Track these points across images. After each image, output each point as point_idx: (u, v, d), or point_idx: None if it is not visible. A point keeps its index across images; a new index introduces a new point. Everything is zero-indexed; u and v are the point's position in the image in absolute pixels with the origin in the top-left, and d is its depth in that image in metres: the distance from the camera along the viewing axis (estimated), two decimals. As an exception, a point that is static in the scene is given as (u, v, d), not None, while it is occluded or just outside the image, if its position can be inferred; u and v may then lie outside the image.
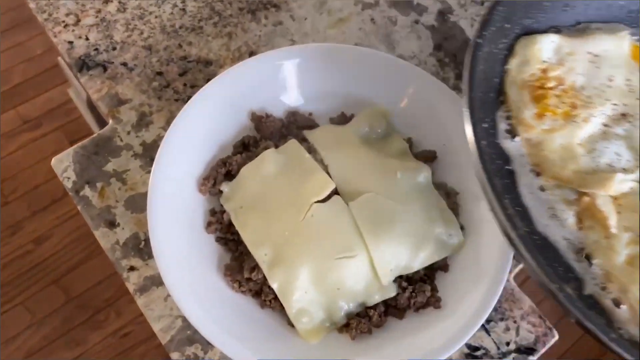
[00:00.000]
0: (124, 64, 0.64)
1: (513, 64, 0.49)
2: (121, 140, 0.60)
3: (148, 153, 0.60)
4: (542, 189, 0.45)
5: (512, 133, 0.47)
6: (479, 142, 0.42)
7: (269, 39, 0.67)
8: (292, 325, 0.52)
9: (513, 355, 0.54)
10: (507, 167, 0.45)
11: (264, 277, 0.52)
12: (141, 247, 0.56)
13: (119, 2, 0.67)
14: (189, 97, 0.57)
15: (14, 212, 1.57)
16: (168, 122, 0.60)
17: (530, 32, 0.51)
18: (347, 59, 0.60)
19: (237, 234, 0.55)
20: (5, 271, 1.49)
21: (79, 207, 0.57)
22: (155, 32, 0.66)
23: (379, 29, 0.69)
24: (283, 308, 0.52)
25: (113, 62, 0.64)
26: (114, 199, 0.57)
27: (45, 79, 1.74)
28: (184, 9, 0.68)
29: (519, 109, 0.47)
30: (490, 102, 0.47)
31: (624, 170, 0.45)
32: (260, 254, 0.52)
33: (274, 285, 0.51)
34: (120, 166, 0.59)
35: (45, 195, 1.59)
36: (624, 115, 0.48)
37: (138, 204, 0.57)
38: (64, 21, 0.65)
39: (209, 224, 0.55)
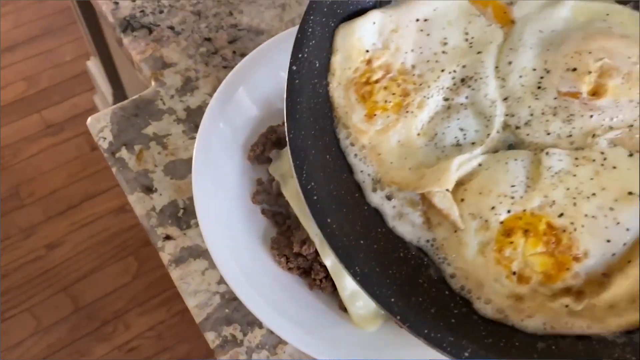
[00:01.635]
0: (171, 28, 0.60)
1: (335, 62, 0.42)
2: (163, 103, 0.56)
3: (192, 119, 0.55)
4: (388, 197, 0.40)
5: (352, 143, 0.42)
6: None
7: (324, 13, 0.63)
8: (345, 310, 0.46)
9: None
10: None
11: (315, 253, 0.46)
12: (179, 215, 0.50)
13: (169, -33, 0.64)
14: (238, 65, 0.52)
15: (29, 215, 1.53)
16: (214, 89, 0.56)
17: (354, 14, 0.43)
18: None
19: (285, 206, 0.49)
20: (15, 275, 1.44)
21: (113, 170, 0.52)
22: (205, -2, 0.62)
23: None
24: (335, 290, 0.46)
25: (159, 25, 0.60)
26: (153, 163, 0.52)
27: (72, 85, 1.73)
28: (236, -22, 0.64)
29: (347, 115, 0.41)
30: (323, 117, 0.42)
31: (473, 145, 0.40)
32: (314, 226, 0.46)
33: (327, 262, 0.46)
34: (161, 130, 0.54)
35: (61, 200, 1.55)
36: (463, 80, 0.42)
37: (179, 170, 0.52)
38: (110, -18, 0.62)
39: (255, 194, 0.50)
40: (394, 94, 0.41)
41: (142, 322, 1.40)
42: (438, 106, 0.42)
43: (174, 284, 0.47)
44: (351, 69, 0.42)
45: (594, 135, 0.39)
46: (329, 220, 0.37)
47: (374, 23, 0.43)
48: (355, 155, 0.41)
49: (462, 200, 0.38)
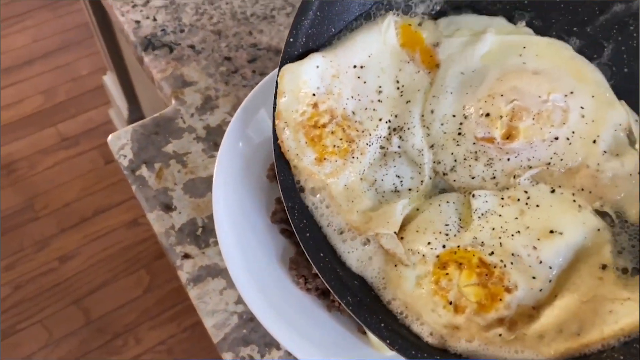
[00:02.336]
0: (192, 47, 0.61)
1: (281, 104, 0.42)
2: (184, 122, 0.56)
3: (212, 137, 0.55)
4: (343, 238, 0.41)
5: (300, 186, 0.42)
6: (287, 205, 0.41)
7: (343, 33, 0.63)
8: (364, 333, 0.46)
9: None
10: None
11: (334, 274, 0.46)
12: (198, 234, 0.50)
13: (191, -13, 0.65)
14: (258, 84, 0.53)
15: (43, 228, 1.54)
16: (234, 108, 0.56)
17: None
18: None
19: (304, 226, 0.49)
20: (28, 287, 1.45)
21: (133, 187, 0.52)
22: (225, 17, 0.63)
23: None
24: (353, 312, 0.46)
25: (180, 44, 0.61)
26: (172, 182, 0.53)
27: (88, 99, 1.75)
28: (256, -2, 0.65)
29: (298, 157, 0.41)
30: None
31: (409, 191, 0.41)
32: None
33: (346, 284, 0.45)
34: (182, 148, 0.54)
35: (75, 213, 1.57)
36: (395, 129, 0.43)
37: (198, 188, 0.52)
38: (132, 1, 0.63)
39: (274, 213, 0.50)
40: (340, 139, 0.42)
41: (152, 336, 1.40)
42: (376, 154, 0.43)
43: (184, 298, 0.47)
44: (298, 111, 0.42)
45: (514, 176, 0.40)
46: (321, 254, 0.40)
47: (317, 67, 0.42)
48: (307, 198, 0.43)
49: (402, 238, 0.40)
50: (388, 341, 0.36)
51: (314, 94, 0.42)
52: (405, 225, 0.41)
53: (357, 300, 0.38)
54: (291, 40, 0.42)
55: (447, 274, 0.38)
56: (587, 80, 0.42)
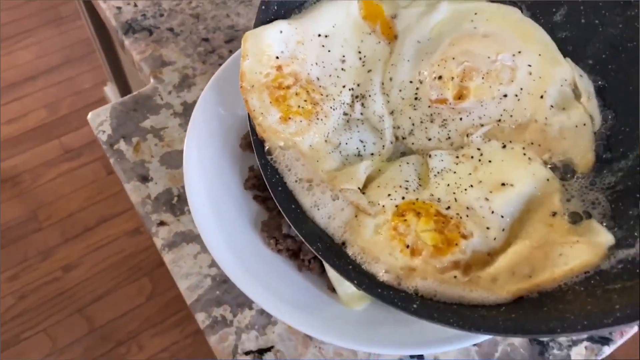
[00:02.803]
0: (170, 29, 0.62)
1: (245, 66, 0.44)
2: (161, 99, 0.57)
3: (188, 113, 0.56)
4: (309, 188, 0.42)
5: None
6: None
7: (318, 13, 0.65)
8: (333, 290, 0.46)
9: (585, 343, 0.46)
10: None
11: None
12: (174, 202, 0.51)
13: (170, -25, 0.67)
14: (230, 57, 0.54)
15: (47, 238, 1.56)
16: (211, 85, 0.57)
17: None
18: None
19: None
20: (32, 296, 1.46)
21: (111, 161, 0.53)
22: (203, 2, 0.65)
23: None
24: (323, 271, 0.46)
25: (159, 27, 0.62)
26: (149, 154, 0.54)
27: (90, 111, 1.78)
28: (234, -16, 0.67)
29: (263, 116, 0.43)
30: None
31: (372, 155, 0.43)
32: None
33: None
34: (159, 123, 0.56)
35: (78, 223, 1.58)
36: (357, 97, 0.44)
37: (174, 160, 0.54)
38: (114, -11, 0.65)
39: (247, 180, 0.51)
40: (305, 100, 0.44)
41: (155, 343, 1.40)
42: (339, 119, 0.44)
43: (186, 305, 0.48)
44: (262, 73, 0.44)
45: (467, 135, 0.42)
46: (292, 206, 0.42)
47: (281, 32, 0.44)
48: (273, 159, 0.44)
49: (364, 193, 0.41)
50: (355, 281, 0.37)
51: (277, 57, 0.44)
52: (367, 184, 0.42)
53: (327, 247, 0.39)
54: (263, 7, 0.44)
55: (405, 220, 0.39)
56: (534, 41, 0.43)
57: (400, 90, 0.44)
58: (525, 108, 0.41)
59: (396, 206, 0.40)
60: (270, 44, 0.44)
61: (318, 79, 0.45)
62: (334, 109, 0.44)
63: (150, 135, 0.55)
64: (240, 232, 0.48)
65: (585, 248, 0.36)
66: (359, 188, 0.41)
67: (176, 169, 0.53)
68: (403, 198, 0.40)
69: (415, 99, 0.44)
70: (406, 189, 0.40)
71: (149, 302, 1.47)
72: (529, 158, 0.40)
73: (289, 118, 0.43)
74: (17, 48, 1.90)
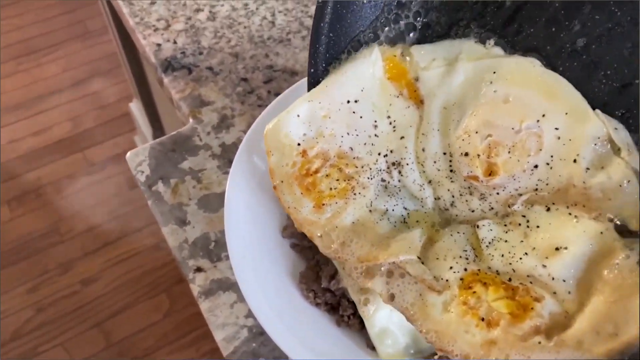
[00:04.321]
0: (210, 68, 0.63)
1: (272, 163, 0.42)
2: (200, 140, 0.57)
3: (227, 154, 0.56)
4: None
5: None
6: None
7: (357, 55, 0.65)
8: (373, 348, 0.45)
9: None
10: None
11: (343, 288, 0.46)
12: (211, 248, 0.51)
13: (210, 12, 0.67)
14: (271, 103, 0.54)
15: (67, 251, 1.57)
16: (249, 126, 0.57)
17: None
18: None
19: (315, 241, 0.50)
20: (50, 309, 1.47)
21: (149, 202, 0.53)
22: (243, 41, 0.65)
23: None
24: (363, 327, 0.46)
25: (198, 66, 0.63)
26: (187, 197, 0.54)
27: (115, 125, 1.80)
28: (272, 22, 0.67)
29: (297, 210, 0.41)
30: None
31: (417, 223, 0.41)
32: (343, 261, 0.47)
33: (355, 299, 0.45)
34: (197, 165, 0.56)
35: (99, 237, 1.59)
36: (393, 164, 0.42)
37: (212, 203, 0.54)
38: (154, 25, 0.66)
39: (285, 228, 0.50)
40: (337, 179, 0.42)
41: (171, 361, 1.40)
42: (379, 187, 0.42)
43: (203, 323, 0.48)
44: (288, 164, 0.42)
45: (509, 205, 0.40)
46: None
47: (299, 115, 0.42)
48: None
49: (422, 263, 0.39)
50: None
51: (298, 144, 0.42)
52: (426, 250, 0.40)
53: None
54: (312, 70, 0.43)
55: (474, 292, 0.37)
56: (558, 97, 0.41)
57: (434, 162, 0.42)
58: (560, 175, 0.39)
59: (461, 279, 0.38)
60: (288, 133, 0.43)
61: (352, 149, 0.43)
62: (371, 178, 0.42)
63: (188, 177, 0.55)
64: (278, 282, 0.48)
65: None
66: (418, 258, 0.39)
67: (214, 212, 0.53)
68: (465, 270, 0.38)
69: (451, 171, 0.42)
70: (466, 258, 0.39)
71: (166, 319, 1.47)
72: (575, 216, 0.39)
73: (323, 204, 0.42)
74: (45, 61, 1.93)
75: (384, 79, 0.44)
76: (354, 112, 0.43)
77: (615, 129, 0.39)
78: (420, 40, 0.45)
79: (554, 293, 0.37)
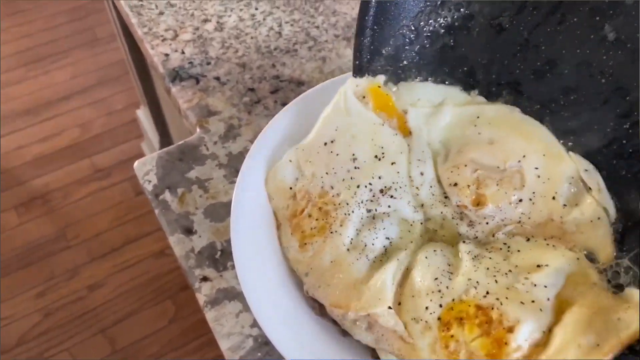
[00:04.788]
0: (217, 78, 0.63)
1: (274, 206, 0.46)
2: (207, 149, 0.58)
3: (233, 164, 0.57)
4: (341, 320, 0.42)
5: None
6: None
7: (363, 65, 0.65)
8: (377, 357, 0.45)
9: None
10: None
11: (349, 299, 0.46)
12: (217, 257, 0.52)
13: (217, 22, 0.68)
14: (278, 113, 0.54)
15: (74, 257, 1.58)
16: (256, 136, 0.58)
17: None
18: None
19: (321, 251, 0.50)
20: (57, 315, 1.47)
21: (156, 211, 0.54)
22: (250, 51, 0.66)
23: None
24: (367, 338, 0.46)
25: (206, 76, 0.63)
26: (194, 206, 0.54)
27: (122, 132, 1.82)
28: (279, 33, 0.68)
29: (288, 250, 0.44)
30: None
31: (398, 251, 0.42)
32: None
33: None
34: (204, 174, 0.56)
35: (105, 243, 1.60)
36: (382, 190, 0.44)
37: (218, 213, 0.54)
38: (162, 35, 0.66)
39: (291, 238, 0.51)
40: (317, 219, 0.44)
41: (176, 368, 1.41)
42: (363, 218, 0.43)
43: (208, 330, 0.48)
44: (284, 207, 0.45)
45: (493, 234, 0.43)
46: None
47: (291, 161, 0.46)
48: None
49: (400, 304, 0.40)
50: None
51: (290, 187, 0.46)
52: (403, 285, 0.41)
53: None
54: (357, 63, 0.45)
55: (452, 336, 0.38)
56: (536, 140, 0.44)
57: (431, 187, 0.45)
58: (541, 210, 0.42)
59: (438, 318, 0.39)
60: (283, 178, 0.46)
61: (332, 187, 0.45)
62: (348, 214, 0.43)
63: (195, 187, 0.55)
64: (283, 292, 0.48)
65: (637, 312, 0.36)
66: (389, 307, 0.40)
67: (220, 222, 0.54)
68: (441, 306, 0.39)
69: (445, 197, 0.44)
70: (439, 291, 0.39)
71: (171, 326, 1.47)
72: (553, 246, 0.41)
73: (305, 243, 0.44)
74: (54, 68, 1.95)
75: (363, 110, 0.46)
76: (331, 152, 0.45)
77: (586, 170, 0.43)
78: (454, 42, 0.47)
79: (532, 301, 0.38)
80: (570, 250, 0.41)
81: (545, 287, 0.38)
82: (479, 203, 0.42)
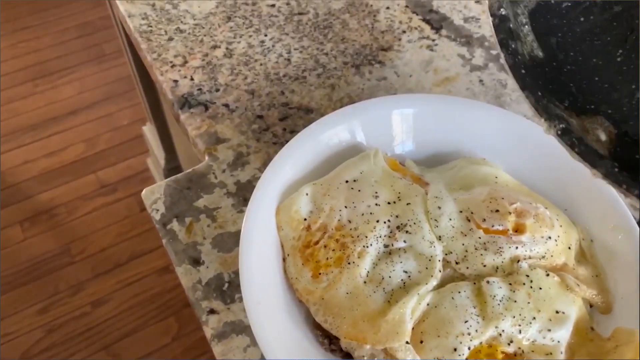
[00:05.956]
0: (226, 105, 0.63)
1: (282, 238, 0.47)
2: (215, 177, 0.58)
3: (242, 192, 0.57)
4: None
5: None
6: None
7: (371, 92, 0.65)
8: (388, 395, 0.45)
9: None
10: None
11: (358, 335, 0.46)
12: (224, 289, 0.51)
13: (226, 49, 0.68)
14: (288, 142, 0.54)
15: (78, 272, 1.57)
16: (264, 164, 0.58)
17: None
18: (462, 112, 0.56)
19: (330, 284, 0.49)
20: (60, 331, 1.47)
21: (163, 241, 0.53)
22: (259, 78, 0.66)
23: (488, 91, 0.66)
24: (378, 375, 0.45)
25: (215, 103, 0.63)
26: (202, 236, 0.54)
27: (128, 148, 1.82)
28: (289, 60, 0.68)
29: (297, 281, 0.45)
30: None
31: (418, 285, 0.42)
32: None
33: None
34: (212, 203, 0.56)
35: (110, 258, 1.60)
36: (398, 227, 0.45)
37: (226, 242, 0.53)
38: (171, 62, 0.66)
39: (300, 271, 0.50)
40: (333, 249, 0.44)
41: (178, 386, 1.40)
42: (380, 253, 0.44)
43: (210, 347, 0.48)
44: (295, 238, 0.46)
45: (518, 261, 0.45)
46: None
47: (307, 194, 0.48)
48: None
49: (421, 342, 0.41)
50: None
51: (305, 219, 0.47)
52: (421, 324, 0.42)
53: None
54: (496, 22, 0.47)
55: None
56: (550, 204, 0.50)
57: (450, 219, 0.46)
58: (561, 253, 0.46)
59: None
60: (297, 209, 0.47)
61: (350, 221, 0.46)
62: (367, 247, 0.44)
63: (203, 216, 0.55)
64: (292, 327, 0.47)
65: (626, 349, 0.39)
66: (407, 342, 0.40)
67: (227, 252, 0.53)
68: (469, 348, 0.40)
69: (470, 229, 0.46)
70: (469, 334, 0.40)
71: (174, 343, 1.47)
72: (567, 285, 0.44)
73: (320, 273, 0.44)
74: (61, 83, 1.96)
75: (386, 167, 0.50)
76: (352, 188, 0.48)
77: (583, 239, 0.49)
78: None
79: (550, 354, 0.40)
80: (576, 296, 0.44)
81: (559, 342, 0.41)
82: (517, 230, 0.45)
